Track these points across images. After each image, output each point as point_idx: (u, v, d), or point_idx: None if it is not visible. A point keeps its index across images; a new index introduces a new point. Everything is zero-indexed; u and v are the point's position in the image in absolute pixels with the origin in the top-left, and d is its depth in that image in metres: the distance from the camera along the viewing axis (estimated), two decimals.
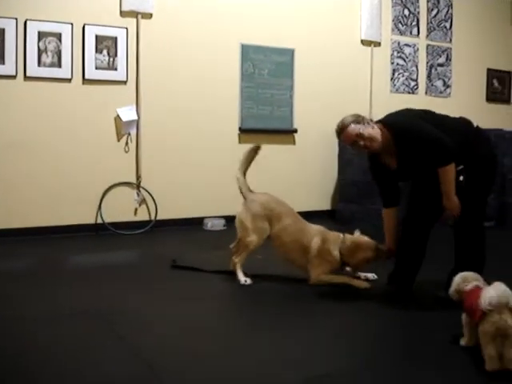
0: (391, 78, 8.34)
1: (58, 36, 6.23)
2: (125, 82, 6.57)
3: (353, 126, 3.99)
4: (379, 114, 7.83)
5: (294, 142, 7.63)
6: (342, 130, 4.05)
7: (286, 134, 7.54)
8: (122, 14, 6.53)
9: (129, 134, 6.60)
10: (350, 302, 4.07)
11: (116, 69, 6.50)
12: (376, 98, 8.14)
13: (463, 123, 4.05)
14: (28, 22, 6.09)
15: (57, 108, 6.28)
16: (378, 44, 8.21)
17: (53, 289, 4.31)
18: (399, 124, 3.96)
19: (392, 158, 4.01)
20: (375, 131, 3.97)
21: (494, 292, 2.80)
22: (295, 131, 7.57)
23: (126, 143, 6.62)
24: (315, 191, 7.77)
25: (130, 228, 6.51)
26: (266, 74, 7.33)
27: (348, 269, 4.53)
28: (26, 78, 6.13)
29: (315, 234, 4.51)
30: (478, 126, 4.04)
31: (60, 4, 6.24)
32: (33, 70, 6.15)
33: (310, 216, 7.45)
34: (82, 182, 6.37)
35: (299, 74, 7.54)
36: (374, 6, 8.07)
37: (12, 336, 3.35)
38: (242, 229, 4.51)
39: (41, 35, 6.17)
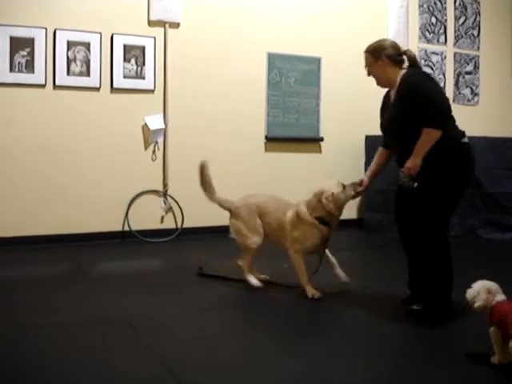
0: None
1: (87, 45, 6.31)
2: (152, 91, 6.62)
3: (368, 55, 4.08)
4: None
5: (320, 151, 7.62)
6: (364, 51, 4.12)
7: (313, 142, 7.53)
8: (150, 23, 6.58)
9: (156, 143, 6.65)
10: (372, 314, 4.05)
11: (144, 78, 6.56)
12: None
13: (454, 130, 3.90)
14: (57, 32, 6.17)
15: (85, 116, 6.35)
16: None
17: (79, 295, 4.37)
18: (413, 78, 3.88)
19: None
20: (380, 72, 4.05)
21: None
22: (321, 139, 7.56)
23: (153, 151, 6.66)
24: None
25: (156, 236, 6.54)
26: (293, 82, 7.34)
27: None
28: (55, 86, 6.21)
29: (291, 207, 4.50)
30: (462, 141, 3.89)
31: (89, 14, 6.31)
32: (62, 78, 6.22)
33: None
34: (109, 189, 6.42)
35: (325, 82, 7.53)
36: (401, 14, 8.05)
37: (39, 342, 3.39)
38: (240, 235, 4.61)
39: (70, 44, 6.24)
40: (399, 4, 8.01)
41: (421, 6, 8.27)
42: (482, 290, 3.08)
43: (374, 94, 7.73)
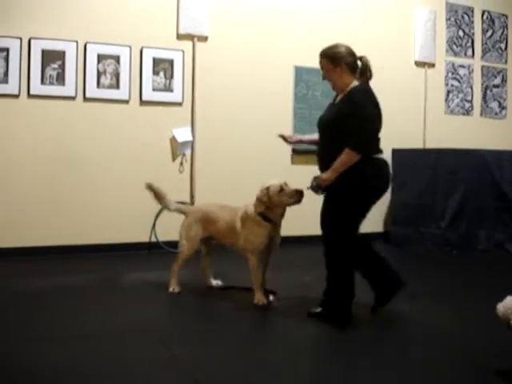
0: (445, 100, 8.28)
1: (117, 58, 6.40)
2: (180, 104, 6.70)
3: (326, 60, 4.16)
4: (434, 136, 7.91)
5: None
6: (321, 55, 4.21)
7: None
8: (179, 36, 6.67)
9: (184, 155, 6.72)
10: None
11: (172, 90, 6.63)
12: (430, 119, 8.08)
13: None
14: (88, 45, 6.28)
15: (114, 129, 6.43)
16: (432, 65, 8.16)
17: (107, 306, 4.42)
18: (361, 96, 4.03)
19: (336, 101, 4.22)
20: (337, 78, 4.13)
21: None
22: None
23: (181, 163, 6.73)
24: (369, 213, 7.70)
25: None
26: (319, 95, 7.35)
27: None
28: (85, 99, 6.31)
29: (238, 209, 4.64)
30: (375, 156, 4.05)
31: (119, 27, 6.41)
32: (92, 91, 6.32)
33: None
34: (136, 200, 6.46)
35: None
36: (428, 28, 8.05)
37: (65, 352, 3.43)
38: (180, 240, 4.86)
39: (100, 58, 6.34)
40: (426, 17, 8.02)
41: (448, 19, 8.27)
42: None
43: (401, 108, 7.82)
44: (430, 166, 7.07)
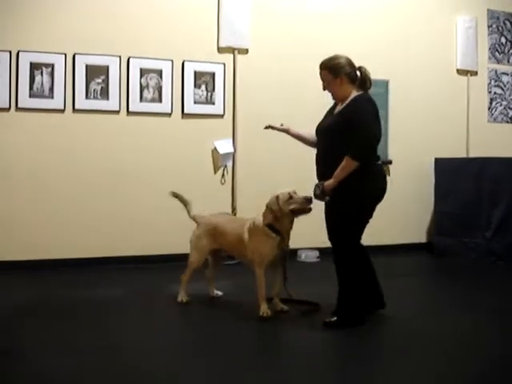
0: (488, 108, 8.18)
1: (159, 72, 6.50)
2: (222, 116, 6.76)
3: (326, 72, 4.27)
4: (477, 144, 7.82)
5: (388, 174, 7.57)
6: (321, 66, 4.32)
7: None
8: (220, 50, 6.74)
9: (225, 166, 6.77)
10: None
11: (214, 103, 6.70)
12: (473, 128, 7.99)
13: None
14: (131, 60, 6.39)
15: (157, 141, 6.53)
16: (475, 73, 8.08)
17: (148, 318, 4.49)
18: (362, 106, 4.14)
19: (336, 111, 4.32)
20: (337, 88, 4.25)
21: None
22: (390, 162, 7.52)
23: (223, 175, 6.78)
24: (411, 223, 7.66)
25: (225, 258, 6.60)
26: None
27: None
28: (128, 112, 6.42)
29: (247, 221, 4.71)
30: (375, 163, 4.20)
31: (161, 42, 6.51)
32: (135, 105, 6.42)
33: (406, 248, 7.43)
34: (178, 212, 6.51)
35: (394, 105, 7.50)
36: (470, 35, 7.97)
37: (108, 366, 3.46)
38: (190, 249, 4.92)
39: (143, 72, 6.44)
40: (468, 25, 7.94)
41: (490, 26, 8.18)
42: None
43: (444, 116, 7.76)
44: (473, 175, 6.98)
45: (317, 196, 4.21)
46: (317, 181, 4.29)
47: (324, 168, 4.23)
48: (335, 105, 4.40)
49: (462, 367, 3.47)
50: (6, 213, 6.06)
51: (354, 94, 4.21)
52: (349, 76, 4.21)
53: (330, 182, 4.09)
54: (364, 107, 4.12)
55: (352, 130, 4.01)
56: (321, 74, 4.32)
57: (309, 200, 4.31)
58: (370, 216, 4.25)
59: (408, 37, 7.60)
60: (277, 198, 4.40)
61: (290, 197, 4.38)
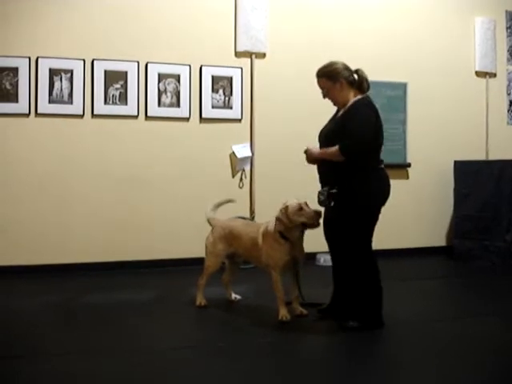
0: (508, 110, 8.12)
1: (177, 77, 6.53)
2: (239, 120, 6.77)
3: (325, 79, 4.31)
4: (496, 147, 7.77)
5: (407, 177, 7.55)
6: (318, 74, 4.38)
7: (399, 168, 7.45)
8: (237, 54, 6.76)
9: (243, 170, 6.77)
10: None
11: (231, 107, 6.71)
12: (492, 130, 7.93)
13: (371, 159, 4.20)
14: (149, 65, 6.42)
15: (175, 146, 6.56)
16: (494, 75, 8.02)
17: (170, 321, 4.51)
18: (363, 109, 4.17)
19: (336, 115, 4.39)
20: (337, 94, 4.29)
21: None
22: (408, 165, 7.49)
23: (241, 179, 6.79)
24: (430, 227, 7.62)
25: (240, 263, 6.61)
26: (378, 108, 7.28)
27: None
28: (146, 117, 6.45)
29: (261, 225, 4.73)
30: (378, 166, 4.25)
31: (178, 47, 6.54)
32: (153, 110, 6.46)
33: (425, 252, 7.38)
34: (196, 216, 6.51)
35: (412, 107, 7.47)
36: (488, 37, 7.92)
37: (125, 368, 3.48)
38: (205, 254, 4.93)
39: (161, 77, 6.47)
40: (486, 26, 7.89)
41: (508, 27, 8.12)
42: None
43: (463, 118, 7.71)
44: (493, 178, 6.92)
45: (321, 202, 4.25)
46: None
47: (326, 174, 4.28)
48: (338, 110, 4.44)
49: (480, 371, 3.45)
50: (26, 216, 6.13)
51: (355, 97, 4.25)
52: (347, 80, 4.25)
53: (314, 152, 4.31)
54: (362, 111, 4.15)
55: (346, 131, 4.08)
56: (319, 82, 4.37)
57: (319, 214, 4.30)
58: (377, 219, 4.24)
59: (426, 39, 7.57)
60: (286, 209, 4.39)
61: (301, 208, 4.36)
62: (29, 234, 6.14)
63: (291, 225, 4.38)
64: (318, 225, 4.33)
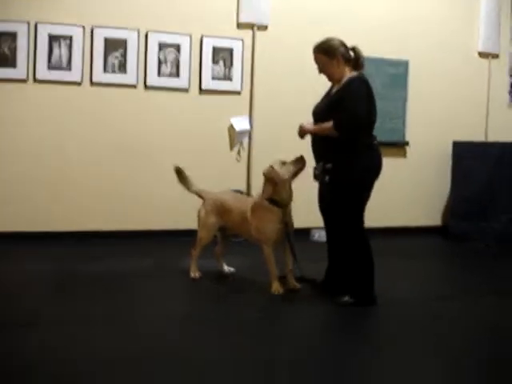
0: (509, 92, 8.07)
1: (177, 47, 6.46)
2: (239, 93, 6.73)
3: (321, 55, 4.35)
4: (497, 128, 7.74)
5: (405, 155, 7.53)
6: (315, 50, 4.42)
7: (398, 146, 7.43)
8: (239, 25, 6.69)
9: (241, 144, 6.74)
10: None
11: (231, 79, 6.66)
12: (493, 111, 7.90)
13: (364, 136, 4.21)
14: (149, 34, 6.35)
15: (173, 117, 6.52)
16: (496, 56, 7.96)
17: (161, 291, 4.55)
18: (358, 85, 4.20)
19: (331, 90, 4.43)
20: (334, 70, 4.32)
21: None
22: (407, 144, 7.46)
23: (238, 152, 6.76)
24: (426, 206, 7.61)
25: (233, 236, 6.61)
26: (379, 85, 7.25)
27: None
28: (146, 87, 6.40)
29: (250, 199, 4.91)
30: (371, 142, 4.27)
31: (179, 16, 6.47)
32: (153, 79, 6.41)
33: (420, 231, 7.39)
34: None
35: (413, 85, 7.42)
36: (492, 17, 7.84)
37: (120, 336, 3.52)
38: (198, 226, 4.98)
39: (161, 46, 6.41)
40: (490, 8, 7.81)
41: None
42: None
43: (463, 99, 7.67)
44: (492, 159, 6.91)
45: (316, 176, 4.34)
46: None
47: (320, 149, 4.34)
48: (332, 86, 4.46)
49: (478, 350, 3.49)
50: (24, 183, 6.13)
51: (349, 74, 4.29)
52: (344, 56, 4.30)
53: (309, 127, 4.38)
54: (357, 88, 4.18)
55: (341, 107, 4.11)
56: (315, 57, 4.42)
57: (300, 158, 4.44)
58: (369, 194, 4.29)
59: (429, 17, 7.50)
60: (271, 167, 4.48)
61: (284, 162, 4.48)
62: (21, 199, 6.12)
63: (280, 181, 4.44)
64: (304, 166, 4.47)
